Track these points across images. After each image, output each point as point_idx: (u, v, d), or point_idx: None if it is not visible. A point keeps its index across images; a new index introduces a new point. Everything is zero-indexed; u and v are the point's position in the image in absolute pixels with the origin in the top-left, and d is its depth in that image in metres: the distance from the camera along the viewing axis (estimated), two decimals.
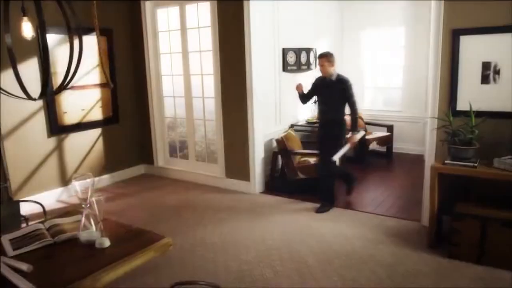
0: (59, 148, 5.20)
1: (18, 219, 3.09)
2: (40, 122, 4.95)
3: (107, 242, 2.19)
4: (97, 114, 5.58)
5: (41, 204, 3.12)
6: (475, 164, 3.36)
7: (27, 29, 2.22)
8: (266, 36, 5.25)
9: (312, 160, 5.16)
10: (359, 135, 4.68)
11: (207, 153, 5.81)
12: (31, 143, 4.86)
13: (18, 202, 3.13)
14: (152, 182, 5.86)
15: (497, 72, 3.52)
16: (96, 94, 5.52)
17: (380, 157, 6.77)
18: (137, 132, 6.14)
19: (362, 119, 6.74)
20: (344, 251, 3.60)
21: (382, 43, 7.06)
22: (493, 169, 3.31)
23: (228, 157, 5.32)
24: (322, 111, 4.70)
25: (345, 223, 4.20)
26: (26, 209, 3.52)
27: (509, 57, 3.43)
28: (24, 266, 1.95)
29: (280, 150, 5.21)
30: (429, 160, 3.84)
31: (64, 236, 2.29)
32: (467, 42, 3.63)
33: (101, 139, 5.68)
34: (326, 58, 4.41)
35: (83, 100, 5.39)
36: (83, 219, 2.26)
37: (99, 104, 5.58)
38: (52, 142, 5.11)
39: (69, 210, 2.81)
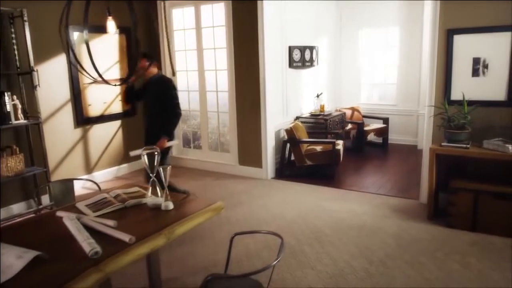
0: (84, 138, 5.58)
1: (71, 195, 3.49)
2: (68, 113, 5.33)
3: (171, 205, 2.62)
4: (117, 107, 5.98)
5: (95, 182, 3.54)
6: (468, 146, 3.88)
7: (111, 27, 2.63)
8: (274, 35, 5.70)
9: (319, 148, 5.65)
10: (170, 143, 4.13)
11: (219, 143, 6.25)
12: (60, 133, 5.23)
13: (72, 180, 3.53)
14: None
15: (485, 66, 4.05)
16: (116, 89, 5.92)
17: (376, 147, 7.30)
18: None
19: (359, 112, 7.28)
20: (355, 224, 4.10)
21: (377, 42, 7.59)
22: (483, 149, 3.84)
23: (241, 146, 5.78)
24: (146, 114, 4.56)
25: (353, 202, 4.71)
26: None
27: (496, 53, 3.97)
28: (110, 223, 2.37)
29: (289, 139, 5.69)
30: (427, 143, 4.35)
31: (133, 201, 2.71)
32: (459, 41, 4.15)
33: (120, 130, 6.08)
34: (146, 58, 4.08)
35: (105, 94, 5.79)
36: (150, 187, 2.70)
37: (119, 97, 5.98)
38: (78, 132, 5.49)
39: (125, 184, 3.23)
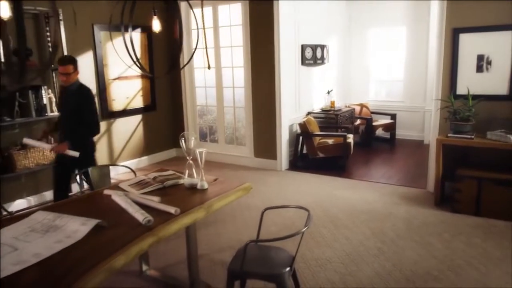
0: (108, 131, 5.91)
1: (108, 179, 3.82)
2: None
3: (206, 185, 2.94)
4: (138, 102, 6.30)
5: (130, 168, 3.86)
6: (472, 137, 4.17)
7: (156, 25, 2.94)
8: (288, 34, 6.00)
9: (330, 141, 5.95)
10: (71, 152, 3.65)
11: (235, 136, 6.57)
12: None
13: (108, 166, 3.85)
14: (186, 163, 6.59)
15: (489, 63, 4.34)
16: (138, 84, 6.25)
17: (384, 142, 7.59)
18: (171, 119, 6.88)
19: (368, 108, 7.58)
20: (367, 210, 4.40)
21: (385, 41, 7.88)
22: (486, 140, 4.13)
23: (256, 139, 6.09)
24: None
25: (364, 191, 5.01)
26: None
27: (499, 51, 4.26)
28: (155, 198, 2.68)
29: (302, 132, 5.99)
30: (434, 134, 4.64)
31: (171, 181, 3.03)
32: (465, 39, 4.44)
33: (141, 124, 6.40)
34: (72, 64, 3.64)
35: (128, 90, 6.11)
36: (187, 168, 3.01)
37: (140, 93, 6.31)
38: (103, 125, 5.79)
39: (160, 168, 3.55)
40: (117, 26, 5.34)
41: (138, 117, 6.36)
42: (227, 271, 2.48)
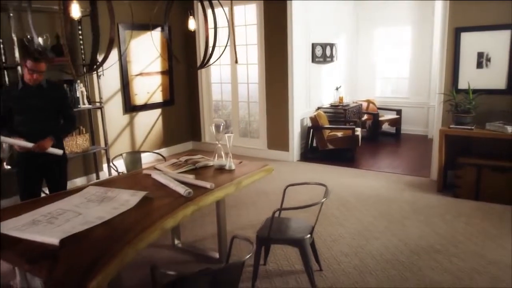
0: (130, 123, 6.30)
1: (139, 163, 4.21)
2: (118, 101, 6.05)
3: (234, 165, 3.32)
4: (158, 97, 6.69)
5: (161, 154, 4.26)
6: (472, 127, 4.53)
7: (192, 24, 3.32)
8: (300, 33, 6.36)
9: (339, 134, 6.32)
10: (52, 150, 3.39)
11: (249, 130, 6.95)
12: (112, 119, 5.95)
13: (139, 152, 4.24)
14: (202, 154, 6.99)
15: (488, 59, 4.69)
16: (158, 80, 6.64)
17: (390, 136, 7.95)
18: (188, 113, 7.28)
19: (374, 104, 7.93)
20: (374, 195, 4.77)
21: (391, 40, 8.24)
22: (485, 130, 4.49)
23: (270, 132, 6.47)
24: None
25: (371, 179, 5.38)
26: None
27: (498, 48, 4.61)
28: (190, 176, 3.06)
29: (313, 126, 6.36)
30: (438, 126, 5.00)
31: (202, 163, 3.41)
32: (466, 37, 4.79)
33: (160, 118, 6.80)
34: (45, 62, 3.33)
35: (148, 85, 6.50)
36: (216, 152, 3.39)
37: (160, 88, 6.70)
38: (126, 118, 6.22)
39: (189, 153, 3.93)
40: (140, 25, 5.78)
41: (158, 111, 6.74)
42: (256, 237, 2.86)
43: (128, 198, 2.65)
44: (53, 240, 2.03)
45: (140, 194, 2.66)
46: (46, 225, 2.25)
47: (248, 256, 2.02)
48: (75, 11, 2.36)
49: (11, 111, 3.35)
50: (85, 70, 5.24)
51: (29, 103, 3.36)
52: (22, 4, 4.34)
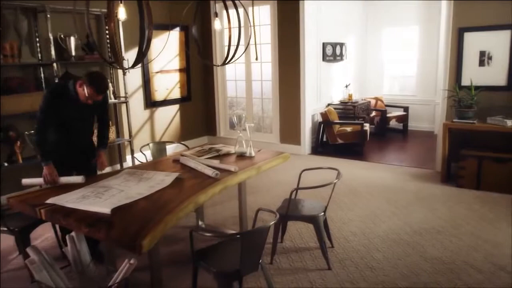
0: (150, 118, 6.69)
1: (164, 153, 4.58)
2: (140, 96, 6.44)
3: (254, 152, 3.67)
4: (176, 93, 7.07)
5: (185, 145, 4.62)
6: (474, 122, 4.84)
7: (217, 25, 3.67)
8: (311, 32, 6.69)
9: (349, 129, 6.64)
10: (75, 180, 3.02)
11: (262, 125, 7.30)
12: (134, 113, 6.33)
13: (164, 142, 4.61)
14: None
15: (490, 58, 5.00)
16: (176, 77, 7.01)
17: (397, 132, 8.25)
18: (204, 109, 7.66)
19: (382, 101, 8.24)
20: (381, 185, 5.09)
21: (399, 39, 8.54)
22: (486, 124, 4.80)
23: (282, 126, 6.82)
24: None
25: (378, 171, 5.70)
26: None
27: (499, 47, 4.91)
28: (216, 161, 3.41)
29: (324, 121, 6.70)
30: (442, 120, 5.31)
31: (225, 150, 3.77)
32: (469, 37, 5.10)
33: (178, 113, 7.17)
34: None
35: (168, 82, 6.88)
36: (237, 140, 3.74)
37: (178, 85, 7.07)
38: (146, 113, 6.60)
39: (211, 142, 4.29)
40: (161, 25, 6.14)
41: (176, 107, 7.12)
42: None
43: (163, 178, 3.01)
44: (105, 209, 2.40)
45: (173, 175, 3.02)
46: (95, 199, 2.61)
47: (272, 223, 2.37)
48: (122, 13, 2.72)
49: (53, 118, 3.16)
50: (128, 65, 5.60)
51: (77, 115, 3.30)
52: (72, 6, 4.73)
